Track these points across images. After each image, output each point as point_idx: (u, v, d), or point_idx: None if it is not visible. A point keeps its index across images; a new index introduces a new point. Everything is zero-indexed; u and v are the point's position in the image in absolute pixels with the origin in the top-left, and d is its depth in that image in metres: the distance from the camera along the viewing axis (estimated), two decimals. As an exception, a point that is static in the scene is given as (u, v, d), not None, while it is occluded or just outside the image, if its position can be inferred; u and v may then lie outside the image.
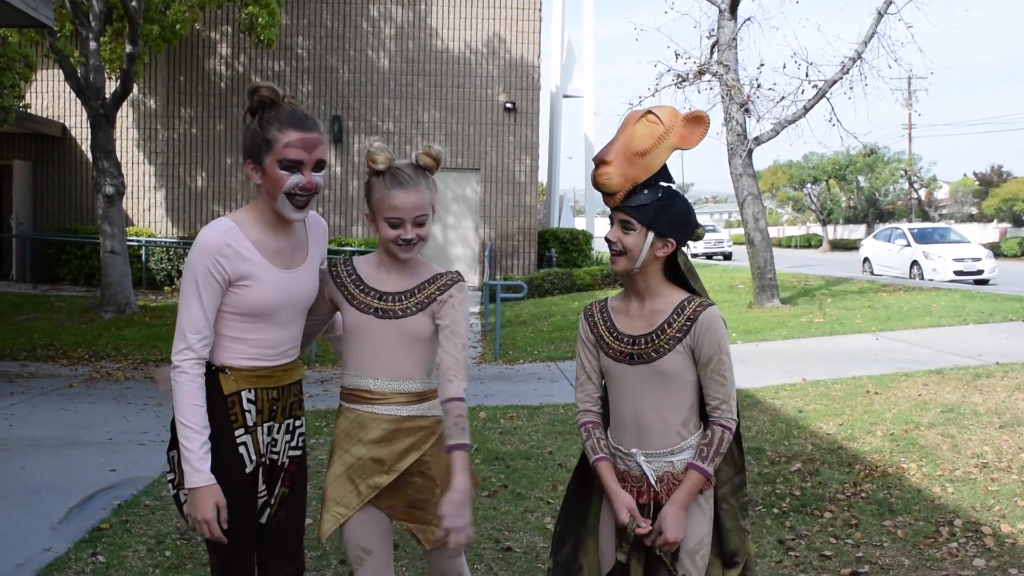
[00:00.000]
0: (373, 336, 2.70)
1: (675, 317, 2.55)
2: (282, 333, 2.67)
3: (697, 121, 2.55)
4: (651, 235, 2.53)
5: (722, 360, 2.53)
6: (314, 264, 2.75)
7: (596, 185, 2.59)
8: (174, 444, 2.64)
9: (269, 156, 2.55)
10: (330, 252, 18.46)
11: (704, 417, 2.61)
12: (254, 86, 2.57)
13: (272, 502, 2.72)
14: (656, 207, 2.52)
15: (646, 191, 2.55)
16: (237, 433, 2.60)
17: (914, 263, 22.96)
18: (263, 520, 2.71)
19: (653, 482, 2.57)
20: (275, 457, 2.71)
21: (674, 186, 2.59)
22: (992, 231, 47.59)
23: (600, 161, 2.57)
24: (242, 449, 2.61)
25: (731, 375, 2.55)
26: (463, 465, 2.57)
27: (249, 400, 2.62)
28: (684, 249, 2.64)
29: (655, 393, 2.57)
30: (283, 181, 2.55)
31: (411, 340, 2.70)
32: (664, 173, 2.58)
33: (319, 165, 2.60)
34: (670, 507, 2.52)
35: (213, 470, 2.56)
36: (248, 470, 2.63)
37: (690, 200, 2.71)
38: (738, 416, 2.59)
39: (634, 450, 2.60)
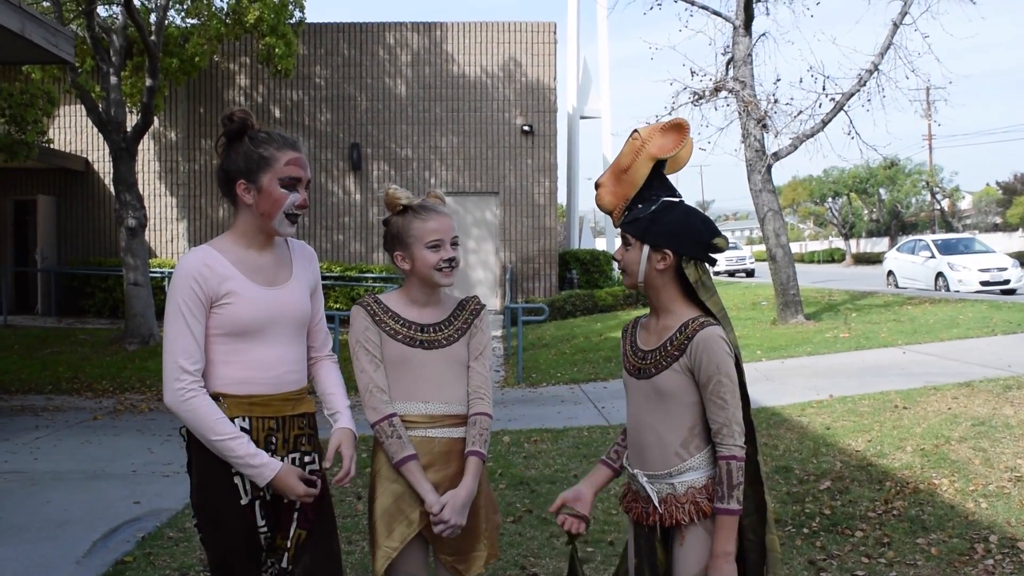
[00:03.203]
0: (420, 366, 2.78)
1: (677, 335, 2.50)
2: (273, 353, 2.64)
3: (674, 129, 2.53)
4: (646, 248, 2.50)
5: (721, 382, 2.43)
6: (301, 284, 2.74)
7: (597, 207, 2.65)
8: (200, 487, 2.63)
9: (268, 174, 2.59)
10: (351, 279, 18.57)
11: (710, 439, 2.54)
12: (228, 113, 2.62)
13: (288, 545, 2.64)
14: (647, 219, 2.50)
15: (640, 206, 2.54)
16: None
17: (939, 275, 22.72)
18: (284, 564, 2.65)
19: (656, 504, 2.51)
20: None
21: (677, 199, 2.55)
22: (1017, 240, 47.15)
23: (596, 184, 2.63)
24: (236, 479, 2.58)
25: (732, 398, 2.45)
26: (475, 470, 2.75)
27: (243, 429, 2.58)
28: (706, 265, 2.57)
29: (653, 410, 2.52)
30: (284, 200, 2.61)
31: (457, 365, 2.82)
32: (666, 188, 2.56)
33: (308, 184, 2.68)
34: (714, 560, 2.43)
35: (206, 499, 2.59)
36: (243, 502, 2.59)
37: (711, 217, 2.66)
38: (752, 440, 2.49)
39: (636, 471, 2.56)
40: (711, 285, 2.56)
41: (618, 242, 2.64)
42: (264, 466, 2.53)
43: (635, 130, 2.56)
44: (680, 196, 2.57)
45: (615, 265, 2.70)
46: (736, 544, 2.46)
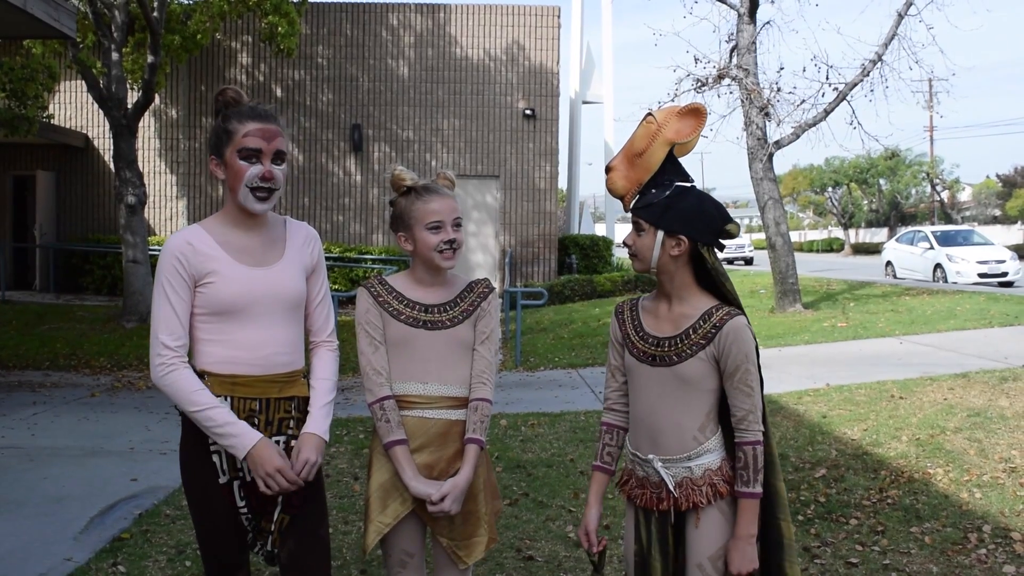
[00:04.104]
0: (422, 347, 2.76)
1: (701, 323, 2.50)
2: (260, 334, 2.61)
3: (692, 114, 2.51)
4: (660, 234, 2.49)
5: (748, 371, 2.47)
6: (293, 264, 2.70)
7: (608, 191, 2.63)
8: (183, 464, 2.66)
9: (229, 147, 2.58)
10: (351, 261, 18.56)
11: (723, 421, 2.56)
12: (221, 89, 2.63)
13: (272, 529, 2.64)
14: (662, 205, 2.49)
15: (654, 190, 2.52)
16: (211, 441, 2.58)
17: (937, 266, 22.74)
18: (269, 548, 2.65)
19: (672, 488, 2.51)
20: None
21: (690, 184, 2.54)
22: (1016, 233, 47.18)
23: (607, 168, 2.60)
24: (215, 458, 2.59)
25: (757, 386, 2.49)
26: (473, 458, 2.73)
27: None
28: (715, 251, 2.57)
29: (672, 397, 2.52)
30: (243, 172, 2.57)
31: (461, 347, 2.80)
32: (679, 172, 2.54)
33: (278, 156, 2.62)
34: (736, 542, 2.46)
35: (188, 476, 2.62)
36: (222, 481, 2.59)
37: None
38: (766, 425, 2.52)
39: (651, 456, 2.55)
40: (724, 270, 2.56)
41: (619, 228, 2.64)
42: (242, 435, 2.51)
43: (650, 113, 2.53)
44: (692, 180, 2.56)
45: (615, 250, 2.65)
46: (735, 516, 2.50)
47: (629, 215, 2.59)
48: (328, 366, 2.79)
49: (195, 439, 2.59)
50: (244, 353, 2.59)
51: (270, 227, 2.71)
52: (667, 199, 2.49)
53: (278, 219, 2.75)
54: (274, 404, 2.64)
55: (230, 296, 2.57)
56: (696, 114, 2.51)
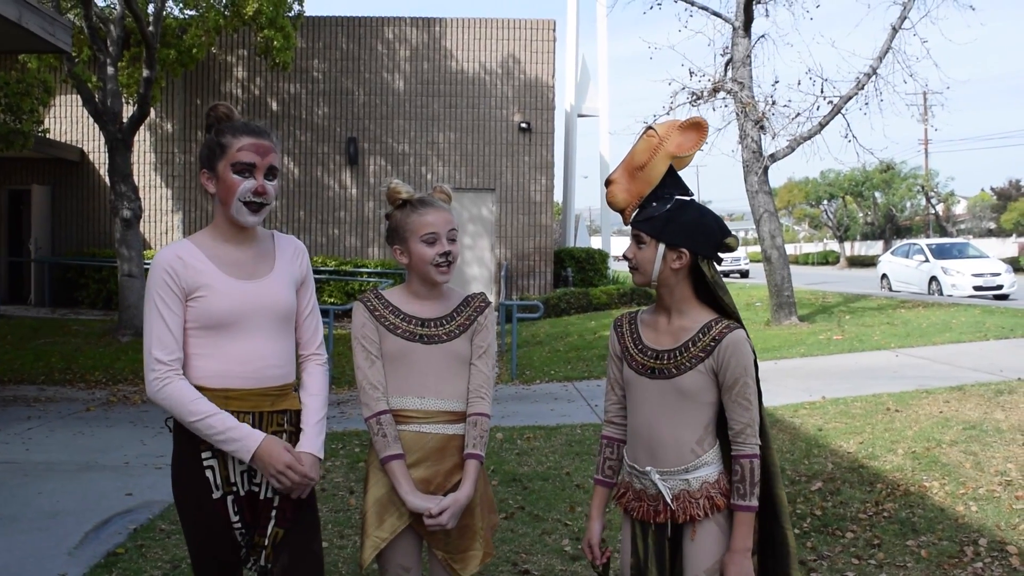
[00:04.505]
0: (419, 361, 2.76)
1: (700, 336, 2.51)
2: (251, 347, 2.61)
3: (694, 127, 2.53)
4: (662, 247, 2.50)
5: (747, 384, 2.48)
6: (283, 277, 2.71)
7: (608, 205, 2.63)
8: (175, 480, 2.65)
9: (223, 161, 2.59)
10: (346, 274, 18.54)
11: (719, 434, 2.56)
12: (213, 105, 2.65)
13: (266, 544, 2.62)
14: (664, 218, 2.50)
15: (655, 204, 2.53)
16: (204, 456, 2.57)
17: (933, 279, 22.77)
18: (262, 563, 2.63)
19: (669, 500, 2.52)
20: (256, 489, 2.63)
21: (690, 198, 2.55)
22: (1011, 245, 47.29)
23: (607, 181, 2.62)
24: (208, 473, 2.58)
25: (756, 399, 2.50)
26: (474, 474, 2.74)
27: None
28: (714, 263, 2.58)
29: (671, 409, 2.53)
30: (236, 186, 2.58)
31: (457, 362, 2.79)
32: (679, 186, 2.56)
33: (271, 171, 2.63)
34: (732, 555, 2.47)
35: (180, 492, 2.61)
36: (215, 496, 2.58)
37: None
38: (765, 439, 2.53)
39: (648, 468, 2.56)
40: (723, 283, 2.57)
41: (615, 241, 2.65)
42: (247, 437, 2.52)
43: (650, 127, 2.55)
44: (692, 194, 2.57)
45: (610, 263, 2.66)
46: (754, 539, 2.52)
47: (625, 227, 2.60)
48: (318, 381, 2.78)
49: (187, 455, 2.58)
50: (236, 367, 2.59)
51: (259, 241, 2.72)
52: (668, 212, 2.50)
53: (266, 233, 2.77)
54: (267, 418, 2.64)
55: (222, 310, 2.56)
56: (697, 128, 2.53)
